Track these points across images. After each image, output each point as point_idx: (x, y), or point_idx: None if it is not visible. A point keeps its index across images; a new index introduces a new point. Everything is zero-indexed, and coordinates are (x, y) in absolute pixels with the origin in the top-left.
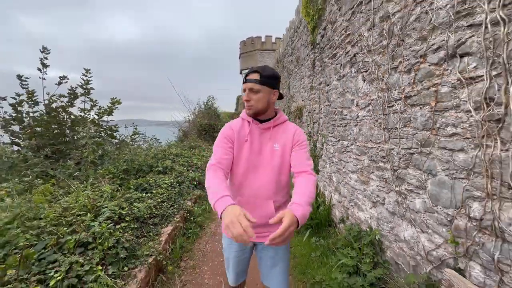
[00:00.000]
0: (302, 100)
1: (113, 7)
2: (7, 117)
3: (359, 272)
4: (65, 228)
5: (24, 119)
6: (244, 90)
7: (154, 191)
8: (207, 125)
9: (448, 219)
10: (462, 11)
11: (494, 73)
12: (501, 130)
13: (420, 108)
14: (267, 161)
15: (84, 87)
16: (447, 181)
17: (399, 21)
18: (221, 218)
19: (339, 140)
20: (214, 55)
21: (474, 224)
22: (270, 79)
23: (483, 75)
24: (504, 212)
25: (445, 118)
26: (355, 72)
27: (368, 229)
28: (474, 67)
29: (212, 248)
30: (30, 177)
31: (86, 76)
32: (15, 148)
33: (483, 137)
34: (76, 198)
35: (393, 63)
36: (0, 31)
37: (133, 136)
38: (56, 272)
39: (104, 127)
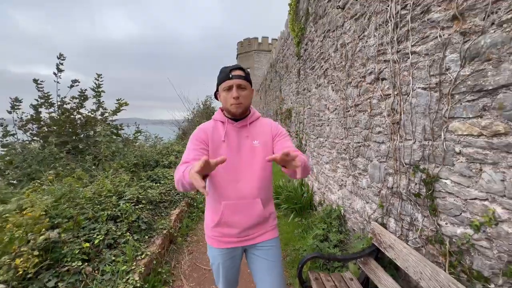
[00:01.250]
0: (291, 103)
1: (111, 5)
2: (27, 117)
3: (328, 239)
4: (98, 206)
5: (41, 118)
6: (230, 88)
7: (162, 182)
8: None
9: (378, 190)
10: (381, 50)
11: (395, 92)
12: (399, 129)
13: (363, 113)
14: (249, 159)
15: (96, 90)
16: (377, 164)
17: (351, 49)
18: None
19: (317, 137)
20: (212, 54)
21: (389, 191)
22: (249, 77)
23: (390, 93)
24: (401, 181)
25: (375, 121)
26: (327, 83)
27: (336, 207)
28: (387, 87)
29: None
30: (68, 166)
31: (98, 80)
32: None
33: (391, 133)
34: (102, 184)
35: (348, 79)
36: None
37: (135, 134)
38: (98, 234)
39: (112, 125)
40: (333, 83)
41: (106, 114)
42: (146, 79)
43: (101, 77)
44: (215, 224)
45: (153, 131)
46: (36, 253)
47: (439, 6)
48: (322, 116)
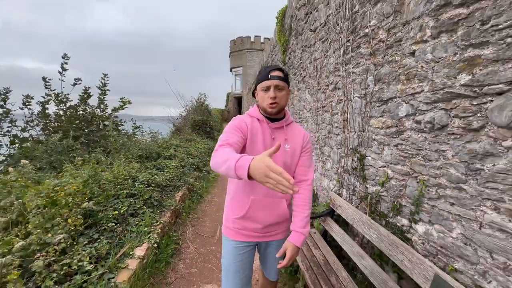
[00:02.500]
0: None
1: None
2: (36, 113)
3: None
4: (118, 186)
5: (48, 115)
6: (268, 88)
7: (165, 170)
8: (200, 121)
9: (336, 170)
10: (337, 67)
11: (345, 98)
12: (347, 124)
13: (327, 113)
14: (279, 160)
15: (102, 88)
16: (336, 150)
17: (319, 64)
18: (249, 177)
19: None
20: (206, 51)
21: (342, 169)
22: (288, 78)
23: (342, 99)
24: (348, 161)
25: (334, 118)
26: (304, 87)
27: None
28: (341, 94)
29: (209, 210)
30: (87, 156)
31: (104, 79)
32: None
33: (343, 127)
34: (117, 170)
35: (318, 86)
36: None
37: (134, 130)
38: (122, 206)
39: (115, 122)
40: (309, 88)
41: (106, 111)
42: (135, 74)
43: (107, 77)
44: (240, 217)
45: (144, 127)
46: (79, 217)
47: (365, 44)
48: (301, 114)
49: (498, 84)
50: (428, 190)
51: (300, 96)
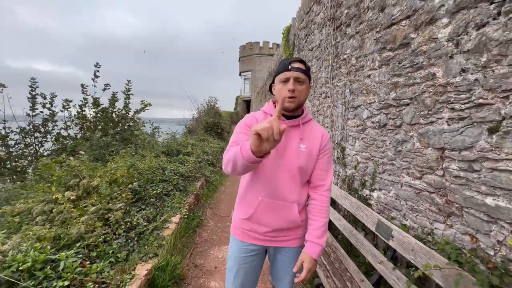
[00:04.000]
0: None
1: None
2: (74, 115)
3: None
4: (152, 173)
5: (86, 116)
6: (287, 80)
7: (186, 164)
8: (212, 122)
9: None
10: (327, 80)
11: (332, 105)
12: (333, 124)
13: (321, 116)
14: (292, 161)
15: (126, 93)
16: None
17: (315, 76)
18: (253, 153)
19: None
20: (212, 53)
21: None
22: (310, 72)
23: (330, 105)
24: (335, 153)
25: (325, 120)
26: None
27: None
28: (330, 101)
29: (224, 198)
30: (124, 151)
31: (128, 85)
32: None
33: (331, 127)
34: (150, 162)
35: (314, 94)
36: None
37: (153, 131)
38: (157, 188)
39: (140, 123)
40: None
41: (129, 113)
42: (141, 75)
43: (130, 83)
44: (247, 218)
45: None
46: (129, 193)
47: (344, 66)
48: None
49: (406, 99)
50: (378, 167)
51: None
